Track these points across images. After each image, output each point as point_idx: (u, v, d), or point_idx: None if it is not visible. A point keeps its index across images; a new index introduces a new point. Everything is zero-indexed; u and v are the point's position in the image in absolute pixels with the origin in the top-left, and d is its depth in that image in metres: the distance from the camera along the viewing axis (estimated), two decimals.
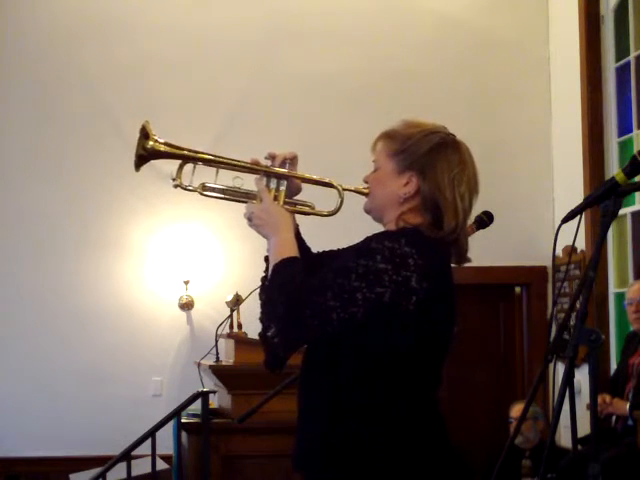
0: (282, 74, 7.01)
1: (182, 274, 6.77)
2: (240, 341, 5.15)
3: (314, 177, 2.35)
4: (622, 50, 6.52)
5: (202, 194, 2.35)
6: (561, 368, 2.02)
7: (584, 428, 3.04)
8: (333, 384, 2.10)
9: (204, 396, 4.84)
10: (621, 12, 6.55)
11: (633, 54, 6.39)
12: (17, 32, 6.91)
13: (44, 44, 6.91)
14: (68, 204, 6.80)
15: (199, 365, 5.40)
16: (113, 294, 6.77)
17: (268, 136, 6.62)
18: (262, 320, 2.12)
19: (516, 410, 5.73)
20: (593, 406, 2.07)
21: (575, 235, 2.19)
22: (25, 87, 6.90)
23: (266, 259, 2.26)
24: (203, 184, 2.33)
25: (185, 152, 2.33)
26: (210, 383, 5.29)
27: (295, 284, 2.04)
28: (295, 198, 2.35)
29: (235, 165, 2.33)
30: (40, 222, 6.77)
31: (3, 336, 6.69)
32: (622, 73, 6.52)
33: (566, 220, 2.18)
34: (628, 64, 6.44)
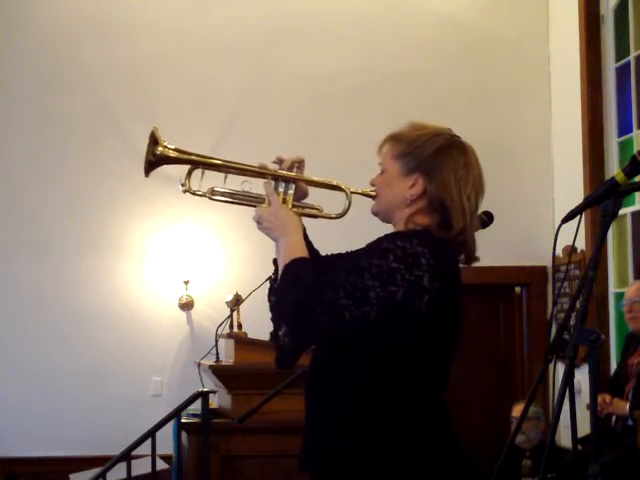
0: (282, 74, 7.01)
1: (182, 274, 6.76)
2: (240, 341, 5.15)
3: (322, 180, 2.37)
4: (622, 50, 6.52)
5: (211, 199, 2.36)
6: (561, 368, 2.02)
7: (584, 428, 3.04)
8: (341, 384, 2.11)
9: (204, 396, 4.83)
10: (621, 12, 6.55)
11: (633, 54, 6.39)
12: (18, 32, 6.91)
13: (45, 44, 6.91)
14: (68, 204, 6.80)
15: (199, 365, 5.40)
16: (113, 294, 6.77)
17: (268, 136, 6.63)
18: (273, 320, 2.13)
19: (518, 410, 5.72)
20: (593, 406, 2.07)
21: (575, 235, 2.19)
22: (26, 87, 6.90)
23: (274, 261, 2.28)
24: (212, 189, 2.34)
25: (194, 157, 2.33)
26: (210, 383, 5.28)
27: (306, 283, 2.07)
28: (303, 201, 2.37)
29: (244, 169, 2.34)
30: (40, 222, 6.77)
31: (3, 336, 6.69)
32: (622, 73, 6.51)
33: (566, 220, 2.18)
34: (628, 64, 6.44)
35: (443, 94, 7.00)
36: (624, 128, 6.47)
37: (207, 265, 6.84)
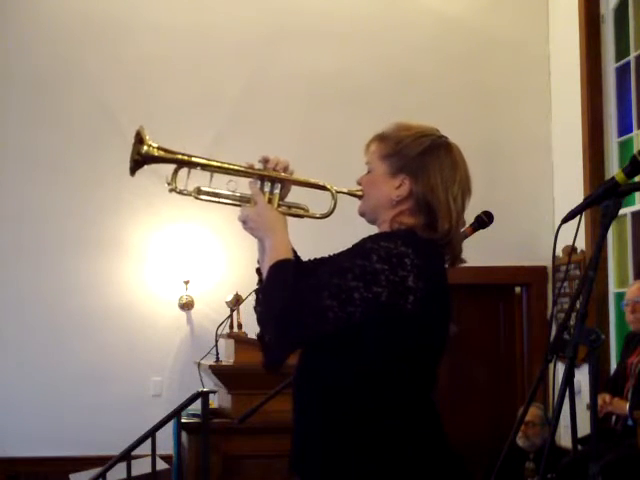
0: (282, 74, 7.01)
1: (182, 274, 6.76)
2: (240, 341, 5.15)
3: (308, 180, 2.35)
4: (622, 50, 6.52)
5: (197, 198, 2.34)
6: (561, 368, 2.02)
7: (584, 428, 3.04)
8: (329, 386, 2.09)
9: (204, 396, 4.84)
10: (621, 12, 6.55)
11: (633, 54, 6.39)
12: (19, 33, 6.90)
13: (45, 44, 6.91)
14: (68, 204, 6.80)
15: (199, 365, 5.40)
16: (113, 294, 6.77)
17: (268, 136, 6.63)
18: (259, 322, 2.11)
19: (530, 414, 5.73)
20: (593, 406, 2.07)
21: (575, 235, 2.20)
22: (26, 87, 6.90)
23: (258, 271, 2.27)
24: (198, 188, 2.32)
25: (179, 157, 2.31)
26: (210, 383, 5.29)
27: (291, 284, 2.06)
28: (289, 201, 2.35)
29: (229, 169, 2.32)
30: (40, 222, 6.77)
31: (3, 336, 6.68)
32: (622, 73, 6.52)
33: (566, 220, 2.18)
34: (628, 64, 6.44)
35: (443, 94, 7.00)
36: (624, 128, 6.47)
37: (207, 265, 6.84)
